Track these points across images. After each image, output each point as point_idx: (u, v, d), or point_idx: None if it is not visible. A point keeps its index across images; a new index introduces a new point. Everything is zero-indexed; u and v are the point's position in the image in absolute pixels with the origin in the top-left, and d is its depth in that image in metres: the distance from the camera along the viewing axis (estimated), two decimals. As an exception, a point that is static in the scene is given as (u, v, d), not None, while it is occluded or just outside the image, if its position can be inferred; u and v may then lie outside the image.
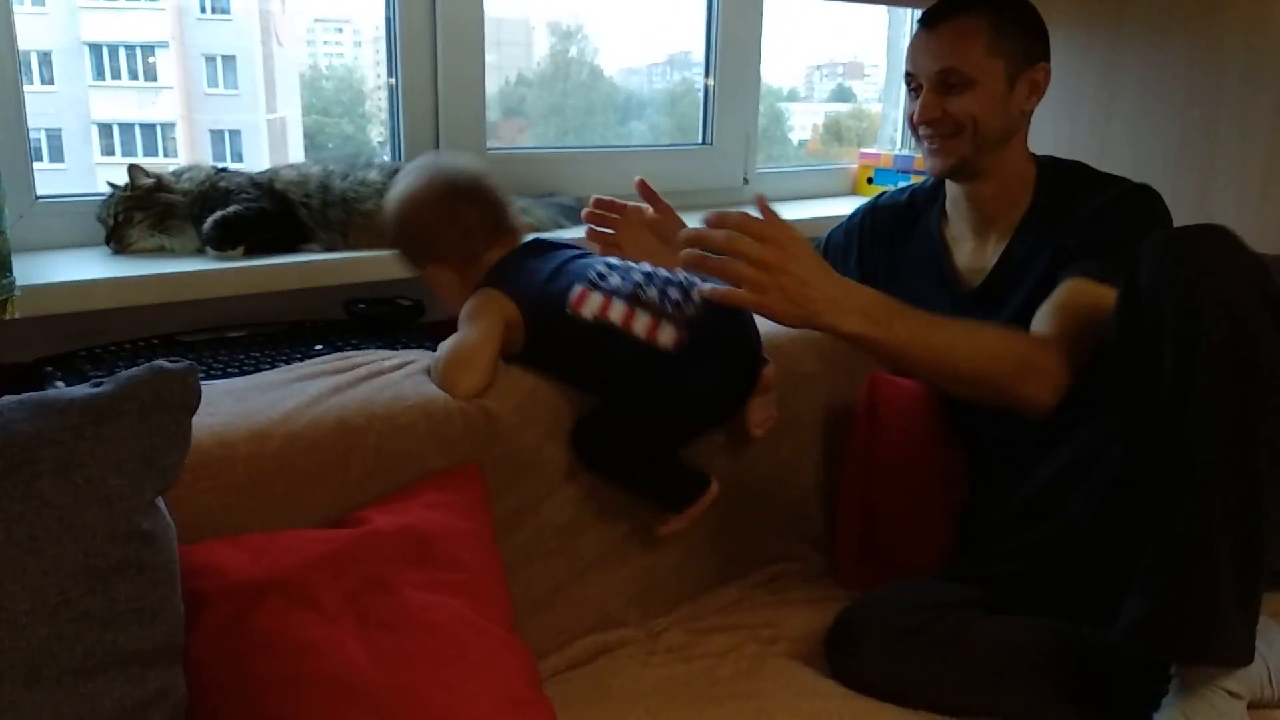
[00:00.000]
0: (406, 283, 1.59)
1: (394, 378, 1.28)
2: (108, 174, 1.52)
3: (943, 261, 1.57)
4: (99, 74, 2.59)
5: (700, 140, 2.25)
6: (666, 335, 1.27)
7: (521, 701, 1.06)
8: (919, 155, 1.62)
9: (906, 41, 1.51)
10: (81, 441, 0.88)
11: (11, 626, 0.81)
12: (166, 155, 2.69)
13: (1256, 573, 1.09)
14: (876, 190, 1.99)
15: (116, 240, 1.49)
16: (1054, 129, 2.06)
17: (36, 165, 1.49)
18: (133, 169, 1.49)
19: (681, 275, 1.31)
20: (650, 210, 1.54)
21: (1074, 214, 1.43)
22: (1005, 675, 1.25)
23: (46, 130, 1.82)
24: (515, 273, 1.35)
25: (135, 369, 0.94)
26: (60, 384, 1.25)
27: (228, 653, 0.96)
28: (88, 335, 1.40)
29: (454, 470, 1.24)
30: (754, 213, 1.18)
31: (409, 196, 1.38)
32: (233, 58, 2.56)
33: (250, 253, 1.50)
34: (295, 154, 2.26)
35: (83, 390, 0.92)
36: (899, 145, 2.63)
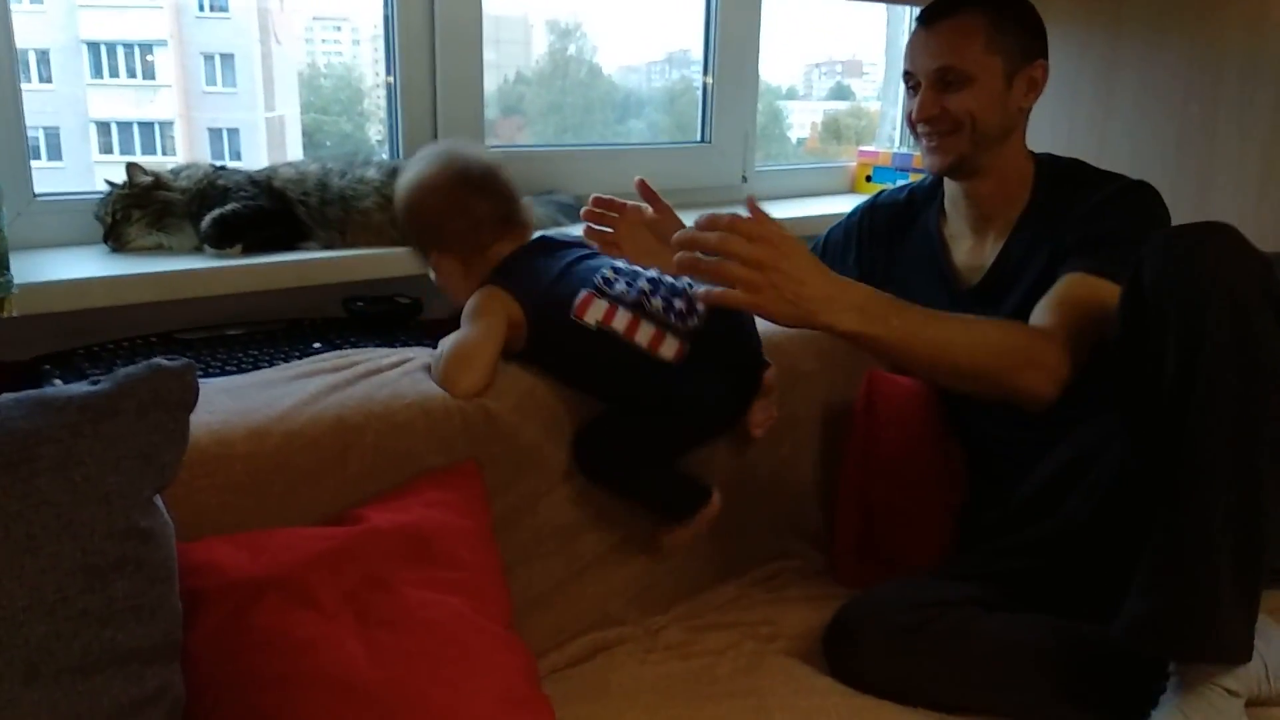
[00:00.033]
0: (405, 281, 1.59)
1: (392, 376, 1.27)
2: (106, 172, 1.52)
3: (941, 259, 1.57)
4: (97, 72, 2.59)
5: (699, 138, 2.25)
6: (669, 347, 1.26)
7: (520, 699, 1.06)
8: (918, 153, 1.62)
9: (905, 39, 1.52)
10: (79, 439, 0.87)
11: (9, 624, 0.81)
12: (165, 153, 2.68)
13: (1257, 571, 1.09)
14: (875, 188, 1.99)
15: (114, 238, 1.48)
16: (1052, 126, 2.06)
17: (34, 163, 1.49)
18: (131, 167, 1.49)
19: (685, 282, 1.30)
20: (649, 210, 1.54)
21: (1072, 211, 1.43)
22: (1004, 673, 1.25)
23: (44, 128, 1.82)
24: (521, 271, 1.34)
25: (133, 367, 0.94)
26: (58, 382, 1.25)
27: (226, 650, 0.96)
28: (86, 333, 1.39)
29: (452, 468, 1.24)
30: (745, 214, 1.18)
31: (420, 182, 1.36)
32: (231, 56, 2.56)
33: (248, 251, 1.50)
34: (293, 152, 2.26)
35: (81, 388, 0.91)
36: (897, 143, 2.63)
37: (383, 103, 1.82)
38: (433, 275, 1.48)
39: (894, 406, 1.56)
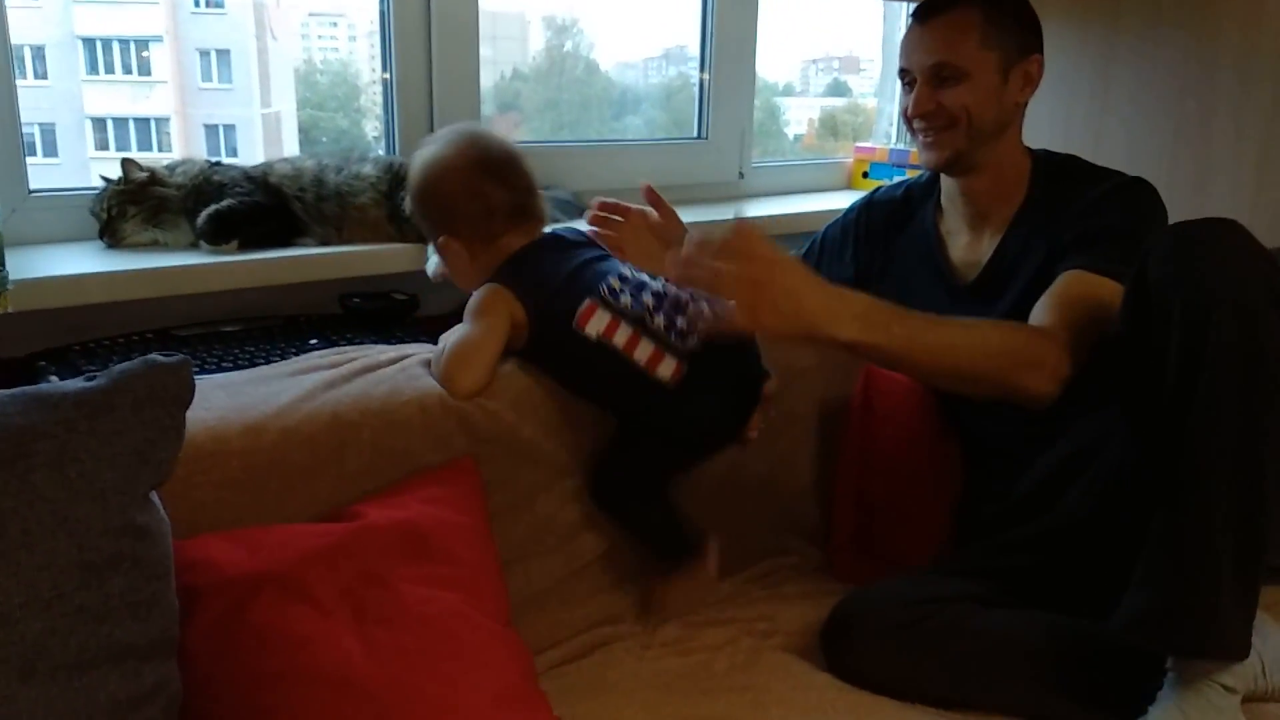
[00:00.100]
0: (401, 277, 1.59)
1: (389, 372, 1.27)
2: (102, 168, 1.51)
3: (938, 255, 1.58)
4: (93, 68, 2.58)
5: (696, 134, 2.25)
6: (667, 367, 1.26)
7: (517, 695, 1.06)
8: (914, 149, 1.62)
9: (901, 36, 1.51)
10: (75, 435, 0.87)
11: (6, 621, 0.81)
12: (161, 150, 2.68)
13: (1257, 568, 1.09)
14: (872, 184, 1.99)
15: (110, 234, 1.48)
16: (1049, 122, 2.06)
17: (30, 160, 1.48)
18: (126, 163, 1.49)
19: (689, 293, 1.28)
20: (654, 214, 1.54)
21: (1069, 207, 1.43)
22: (1001, 669, 1.25)
23: (40, 124, 1.81)
24: (528, 271, 1.32)
25: (129, 363, 0.93)
26: (54, 378, 1.25)
27: (223, 647, 0.96)
28: (81, 329, 1.39)
29: (449, 465, 1.24)
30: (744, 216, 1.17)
31: (437, 161, 1.34)
32: (227, 52, 2.55)
33: (244, 247, 1.50)
34: (290, 148, 2.25)
35: (76, 384, 0.91)
36: (894, 139, 2.63)
37: (379, 99, 1.82)
38: (431, 266, 1.48)
39: (891, 403, 1.56)
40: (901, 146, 2.45)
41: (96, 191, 1.50)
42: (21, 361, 1.35)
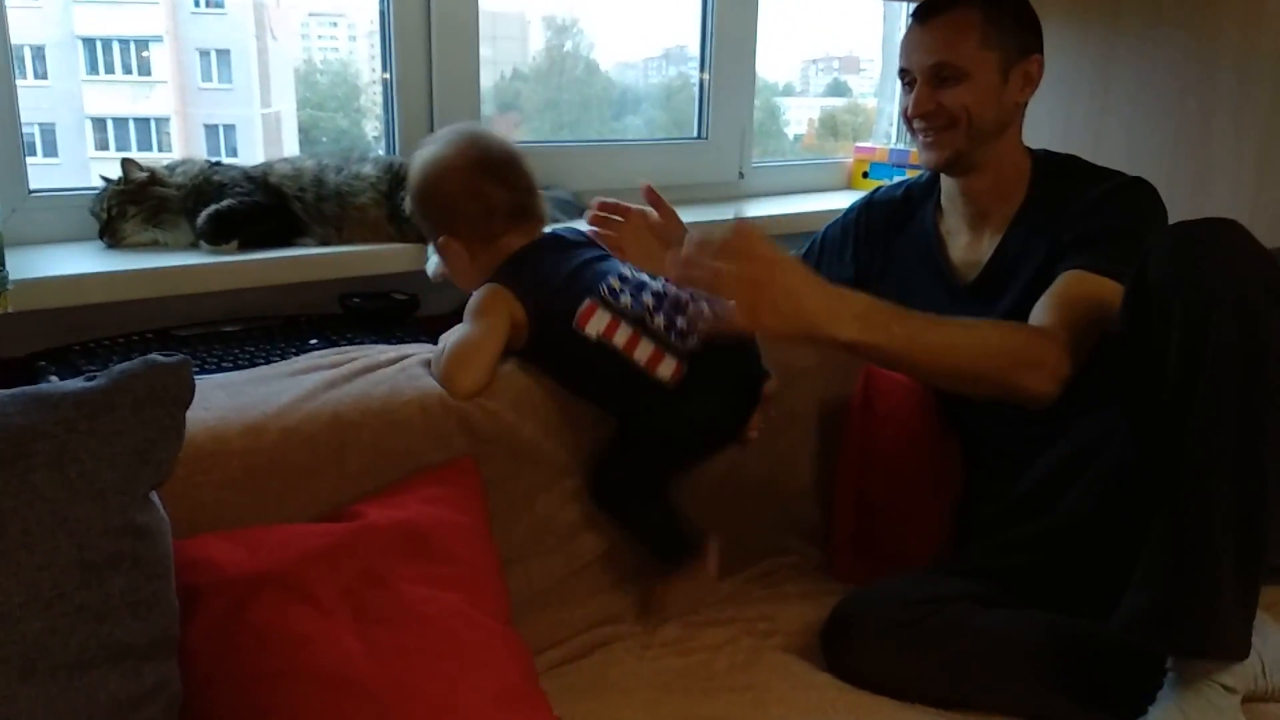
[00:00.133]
0: (401, 277, 1.59)
1: (389, 372, 1.27)
2: (102, 168, 1.51)
3: (938, 255, 1.58)
4: (93, 68, 2.58)
5: (695, 134, 2.25)
6: (666, 367, 1.26)
7: (517, 695, 1.06)
8: (914, 149, 1.62)
9: (901, 36, 1.52)
10: (75, 435, 0.87)
11: (6, 621, 0.81)
12: (161, 150, 2.68)
13: (1257, 568, 1.09)
14: (872, 184, 1.99)
15: (110, 234, 1.48)
16: (1049, 122, 2.06)
17: (30, 160, 1.48)
18: (126, 163, 1.49)
19: (689, 293, 1.27)
20: (654, 214, 1.54)
21: (1069, 207, 1.43)
22: (1001, 668, 1.25)
23: (40, 125, 1.81)
24: (528, 271, 1.32)
25: (129, 363, 0.93)
26: (54, 378, 1.25)
27: (223, 646, 0.96)
28: (81, 329, 1.39)
29: (450, 465, 1.24)
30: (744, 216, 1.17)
31: (437, 161, 1.33)
32: (227, 52, 2.55)
33: (244, 247, 1.50)
34: (290, 148, 2.25)
35: (76, 384, 0.91)
36: (894, 139, 2.63)
37: (379, 99, 1.82)
38: (431, 266, 1.48)
39: (891, 402, 1.56)
40: (901, 146, 2.45)
41: (96, 191, 1.50)
42: (21, 361, 1.35)
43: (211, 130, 2.55)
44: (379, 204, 1.58)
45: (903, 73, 1.49)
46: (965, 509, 1.55)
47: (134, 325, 1.44)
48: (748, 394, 1.35)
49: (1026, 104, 1.48)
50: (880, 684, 1.25)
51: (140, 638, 0.88)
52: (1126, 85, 2.10)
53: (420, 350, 1.35)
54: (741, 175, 2.26)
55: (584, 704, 1.19)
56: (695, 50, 2.22)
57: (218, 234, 1.48)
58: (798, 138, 2.94)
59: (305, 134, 2.14)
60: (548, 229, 1.40)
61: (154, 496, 0.94)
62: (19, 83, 1.44)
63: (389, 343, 1.43)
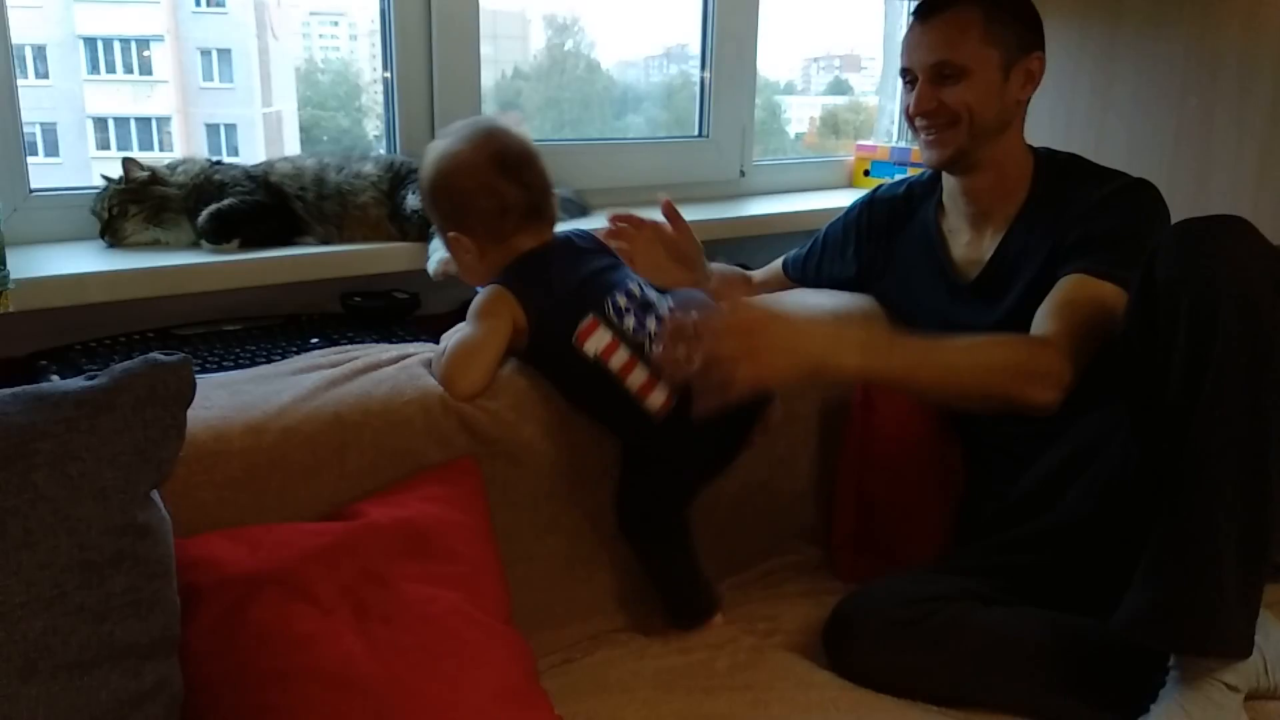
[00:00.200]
0: (402, 276, 1.59)
1: (390, 372, 1.27)
2: (103, 168, 1.51)
3: (939, 254, 1.57)
4: (94, 68, 2.59)
5: (697, 133, 2.24)
6: (656, 399, 1.26)
7: (518, 693, 1.06)
8: (916, 148, 1.62)
9: (902, 34, 1.51)
10: (76, 434, 0.87)
11: (7, 620, 0.81)
12: (162, 149, 2.68)
13: (1261, 565, 1.09)
14: (873, 183, 1.98)
15: (111, 234, 1.48)
16: (1050, 119, 2.06)
17: (31, 159, 1.48)
18: (127, 162, 1.49)
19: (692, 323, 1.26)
20: (669, 227, 1.54)
21: (1071, 207, 1.42)
22: (1002, 667, 1.25)
23: (42, 124, 1.82)
24: (535, 276, 1.30)
25: (130, 362, 0.94)
26: (55, 377, 1.25)
27: (224, 645, 0.96)
28: (82, 329, 1.39)
29: (450, 464, 1.23)
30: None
31: (453, 154, 1.30)
32: (228, 51, 2.56)
33: (245, 246, 1.50)
34: (291, 148, 2.26)
35: (77, 383, 0.91)
36: (895, 138, 2.63)
37: (380, 98, 1.82)
38: (432, 265, 1.48)
39: (891, 402, 1.55)
40: (903, 145, 2.45)
41: (98, 191, 1.50)
42: (23, 361, 1.35)
43: (213, 129, 2.56)
44: (380, 203, 1.58)
45: (904, 71, 1.49)
46: (966, 508, 1.55)
47: (135, 324, 1.44)
48: (742, 423, 1.33)
49: (1028, 102, 1.48)
50: (881, 683, 1.25)
51: (141, 637, 0.88)
52: (1128, 83, 2.10)
53: (421, 349, 1.35)
54: (743, 173, 2.26)
55: (584, 703, 1.19)
56: (696, 49, 2.22)
57: (219, 233, 1.48)
58: (799, 136, 2.94)
59: (306, 133, 2.15)
60: (559, 230, 1.39)
61: (155, 495, 0.94)
62: (20, 82, 1.44)
63: (390, 342, 1.43)
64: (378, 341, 1.44)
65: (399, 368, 1.28)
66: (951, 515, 1.55)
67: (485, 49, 1.82)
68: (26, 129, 1.46)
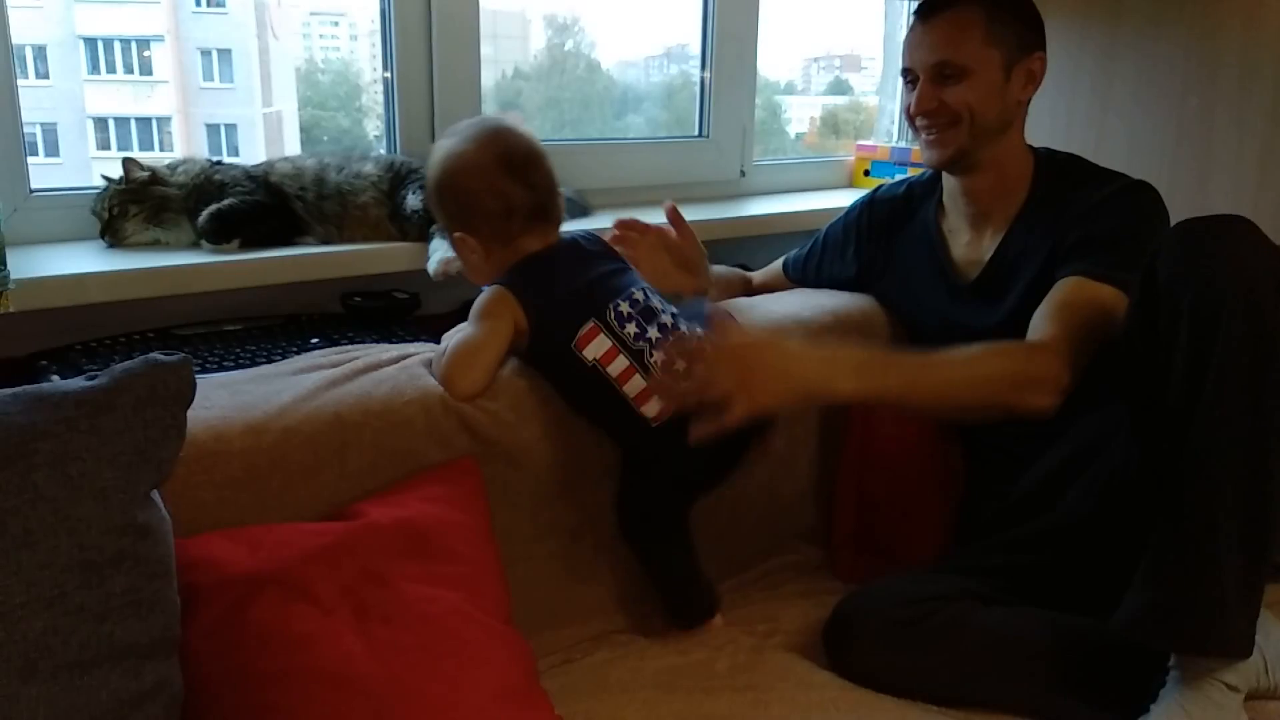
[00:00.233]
0: (403, 276, 1.59)
1: (391, 372, 1.27)
2: (103, 168, 1.51)
3: (940, 254, 1.57)
4: (94, 68, 2.59)
5: (697, 133, 2.24)
6: (653, 407, 1.26)
7: (518, 693, 1.06)
8: (916, 148, 1.62)
9: (903, 34, 1.51)
10: (76, 434, 0.87)
11: (7, 620, 0.81)
12: (162, 149, 2.69)
13: (1261, 565, 1.09)
14: (874, 183, 1.98)
15: (111, 234, 1.48)
16: (1051, 119, 2.06)
17: (32, 159, 1.48)
18: (127, 162, 1.49)
19: (697, 332, 1.26)
20: (673, 232, 1.54)
21: (1071, 208, 1.42)
22: (1002, 667, 1.25)
23: (42, 124, 1.82)
24: (539, 279, 1.30)
25: (130, 362, 0.94)
26: (55, 377, 1.25)
27: (224, 645, 0.96)
28: (83, 329, 1.39)
29: (451, 464, 1.23)
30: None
31: (460, 154, 1.30)
32: (228, 51, 2.56)
33: (245, 246, 1.50)
34: (291, 148, 2.26)
35: (77, 383, 0.91)
36: (896, 138, 2.62)
37: (380, 98, 1.82)
38: (432, 265, 1.47)
39: (892, 401, 1.56)
40: (903, 145, 2.45)
41: (98, 191, 1.50)
42: (23, 361, 1.35)
43: (213, 129, 2.56)
44: (380, 203, 1.58)
45: (905, 71, 1.49)
46: (966, 508, 1.55)
47: (135, 324, 1.44)
48: (739, 443, 1.32)
49: (1029, 102, 1.48)
50: (882, 683, 1.25)
51: (141, 637, 0.88)
52: (1128, 83, 2.10)
53: (422, 349, 1.35)
54: (743, 173, 2.26)
55: (584, 703, 1.19)
56: (696, 49, 2.22)
57: (219, 233, 1.48)
58: (799, 136, 2.94)
59: (306, 133, 2.15)
60: (565, 232, 1.38)
61: (155, 495, 0.94)
62: (20, 82, 1.44)
63: (390, 342, 1.43)
64: (378, 341, 1.44)
65: (399, 368, 1.28)
66: (951, 515, 1.55)
67: (485, 49, 1.82)
68: (27, 129, 1.46)
